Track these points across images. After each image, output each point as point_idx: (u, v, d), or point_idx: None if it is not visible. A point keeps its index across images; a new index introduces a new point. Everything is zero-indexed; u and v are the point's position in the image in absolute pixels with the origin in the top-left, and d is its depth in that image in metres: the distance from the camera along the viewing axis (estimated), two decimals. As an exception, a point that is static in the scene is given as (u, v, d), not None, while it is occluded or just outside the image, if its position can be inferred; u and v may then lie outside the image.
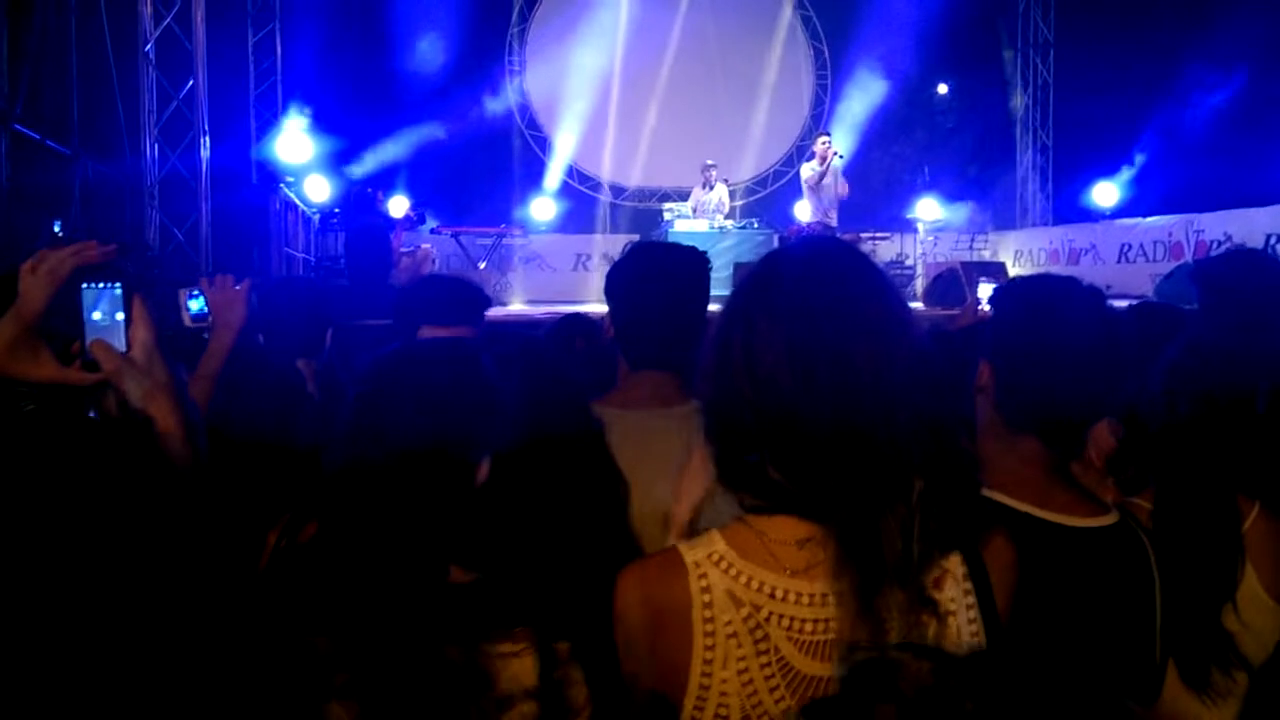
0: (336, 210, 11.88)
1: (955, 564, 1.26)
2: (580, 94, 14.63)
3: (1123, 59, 12.55)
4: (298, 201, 11.51)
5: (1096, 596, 1.57)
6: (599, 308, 2.64)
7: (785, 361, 1.22)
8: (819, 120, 15.74)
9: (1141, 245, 12.44)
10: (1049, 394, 1.65)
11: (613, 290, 2.20)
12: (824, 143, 11.00)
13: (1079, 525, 1.62)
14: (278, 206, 10.45)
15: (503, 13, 14.98)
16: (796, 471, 1.23)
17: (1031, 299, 1.79)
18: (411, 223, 10.17)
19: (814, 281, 1.27)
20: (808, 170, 10.98)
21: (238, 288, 2.61)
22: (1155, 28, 12.32)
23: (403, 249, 9.94)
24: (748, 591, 1.23)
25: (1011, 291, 1.84)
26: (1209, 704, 1.73)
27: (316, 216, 12.36)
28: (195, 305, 2.48)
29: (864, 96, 14.92)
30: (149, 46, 9.11)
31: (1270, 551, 1.83)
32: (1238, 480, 1.87)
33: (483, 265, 12.53)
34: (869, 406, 1.20)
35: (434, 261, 10.47)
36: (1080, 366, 1.65)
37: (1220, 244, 11.19)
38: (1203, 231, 11.51)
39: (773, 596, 1.23)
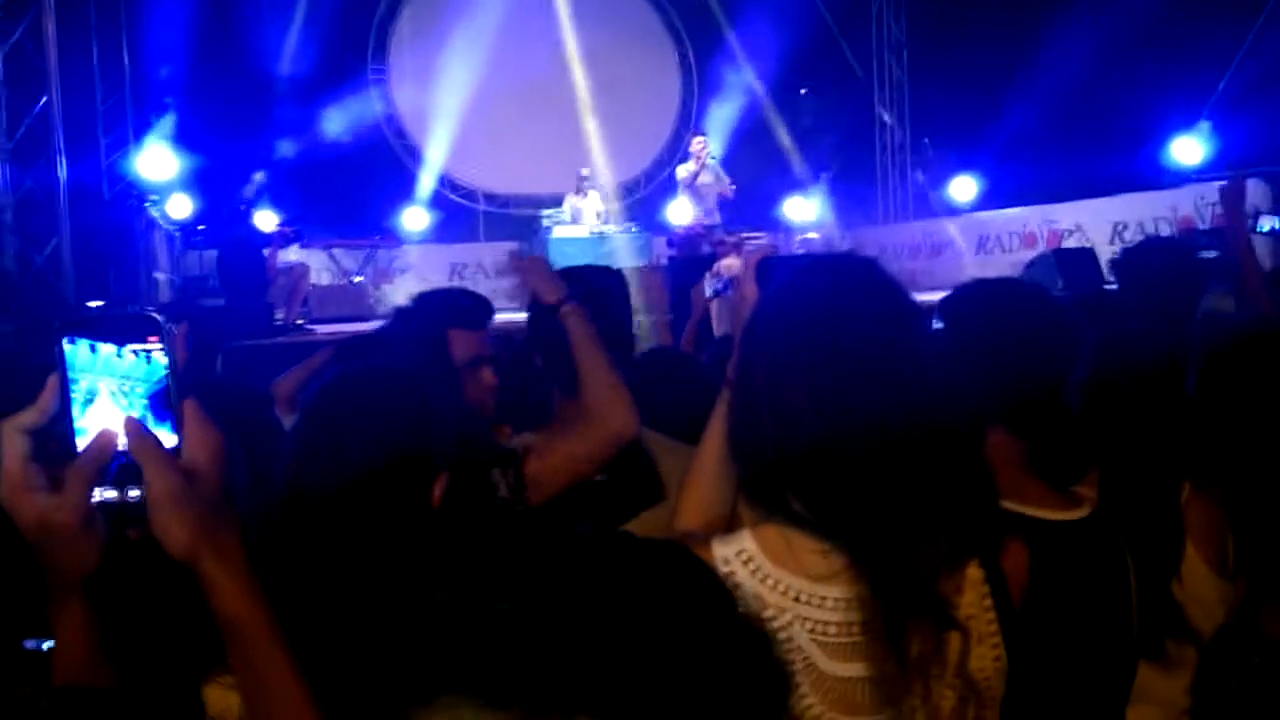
0: (201, 226, 11.41)
1: (973, 570, 1.30)
2: (449, 102, 14.43)
3: (972, 58, 13.11)
4: (160, 220, 11.03)
5: (1080, 590, 1.64)
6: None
7: (809, 401, 1.24)
8: (687, 122, 15.93)
9: (999, 237, 12.99)
10: (1010, 380, 1.68)
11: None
12: (699, 143, 11.18)
13: (1057, 519, 1.67)
14: (142, 226, 10.00)
15: (362, 22, 14.67)
16: (819, 508, 1.26)
17: (982, 298, 1.89)
18: (286, 239, 9.84)
19: (838, 315, 1.28)
20: (683, 171, 11.14)
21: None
22: (1000, 28, 12.91)
23: (278, 266, 9.65)
24: (773, 594, 1.27)
25: (962, 295, 1.92)
26: (1164, 674, 1.85)
27: (179, 234, 11.86)
28: None
29: (729, 99, 15.18)
30: (-4, 64, 8.66)
31: (1205, 526, 1.97)
32: (1174, 461, 2.01)
33: (359, 279, 12.25)
34: (894, 438, 1.22)
35: (309, 278, 10.22)
36: (1036, 350, 1.73)
37: (1071, 233, 11.78)
38: (1056, 222, 12.07)
39: (798, 600, 1.26)
